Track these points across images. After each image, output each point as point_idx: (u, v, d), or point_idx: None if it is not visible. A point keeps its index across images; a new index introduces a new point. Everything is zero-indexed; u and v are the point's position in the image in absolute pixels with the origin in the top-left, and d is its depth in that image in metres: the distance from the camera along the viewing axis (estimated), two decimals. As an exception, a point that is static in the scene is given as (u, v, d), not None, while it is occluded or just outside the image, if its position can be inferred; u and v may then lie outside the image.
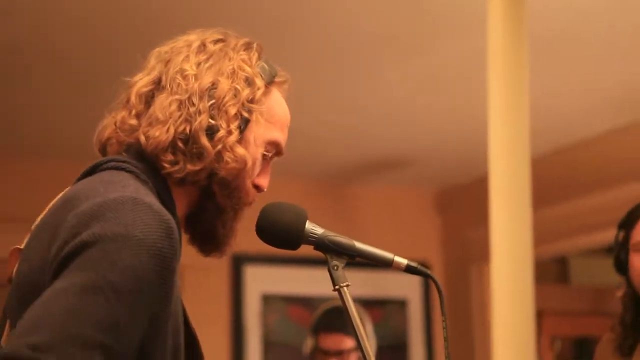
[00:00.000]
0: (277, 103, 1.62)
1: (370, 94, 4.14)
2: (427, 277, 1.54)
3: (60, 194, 1.51)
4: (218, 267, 5.01)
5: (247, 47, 1.60)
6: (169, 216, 1.39)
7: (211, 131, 1.49)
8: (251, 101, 1.54)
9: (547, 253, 5.23)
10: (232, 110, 1.51)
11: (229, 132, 1.50)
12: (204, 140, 1.48)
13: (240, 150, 1.51)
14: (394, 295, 5.26)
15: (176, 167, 1.49)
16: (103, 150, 1.58)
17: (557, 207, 4.76)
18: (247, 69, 1.56)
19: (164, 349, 1.41)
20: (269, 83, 1.60)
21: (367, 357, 1.48)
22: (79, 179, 1.51)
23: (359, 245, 1.54)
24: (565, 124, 4.51)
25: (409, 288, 5.28)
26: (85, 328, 1.27)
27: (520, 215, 2.71)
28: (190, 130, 1.48)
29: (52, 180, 2.22)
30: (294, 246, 1.55)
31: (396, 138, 4.72)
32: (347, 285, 1.52)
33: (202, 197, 1.55)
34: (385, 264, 1.55)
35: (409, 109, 4.32)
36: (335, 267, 1.52)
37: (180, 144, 1.48)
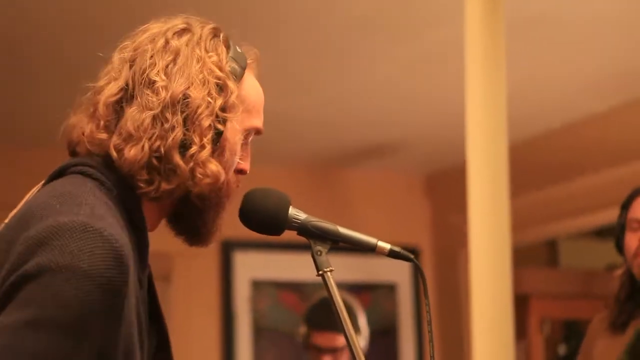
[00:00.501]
0: (251, 89, 1.57)
1: (358, 79, 4.14)
2: (409, 262, 1.55)
3: (26, 198, 1.47)
4: (208, 253, 5.01)
5: (214, 37, 1.52)
6: (120, 242, 1.33)
7: (184, 147, 1.44)
8: (224, 109, 1.49)
9: (537, 236, 5.25)
10: (206, 123, 1.46)
11: (202, 147, 1.45)
12: (177, 158, 1.44)
13: (212, 166, 1.47)
14: (383, 279, 5.27)
15: (152, 187, 1.45)
16: (73, 152, 1.52)
17: (546, 190, 4.77)
18: (218, 72, 1.49)
19: None
20: (241, 72, 1.54)
21: (353, 346, 1.48)
22: (47, 182, 1.47)
23: (343, 230, 1.54)
24: (553, 108, 4.52)
25: (398, 272, 5.29)
26: None
27: (498, 201, 2.71)
28: (164, 148, 1.43)
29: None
30: (277, 232, 1.54)
31: (385, 123, 4.72)
32: (331, 271, 1.51)
33: (180, 205, 1.52)
34: (368, 249, 1.55)
35: (396, 94, 4.32)
36: (319, 253, 1.52)
37: (155, 162, 1.44)
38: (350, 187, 5.42)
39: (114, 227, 1.36)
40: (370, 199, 5.43)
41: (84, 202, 1.38)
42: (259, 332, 5.05)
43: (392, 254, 1.55)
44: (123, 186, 1.46)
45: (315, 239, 1.53)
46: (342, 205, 5.34)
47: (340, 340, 3.49)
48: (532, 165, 4.93)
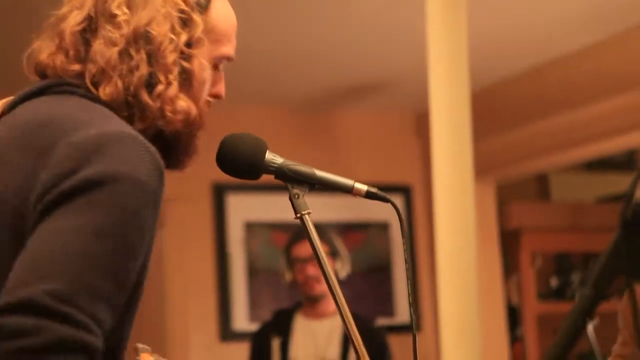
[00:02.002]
0: (220, 17, 1.54)
1: (346, 16, 4.11)
2: (386, 202, 1.56)
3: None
4: (200, 197, 5.03)
5: None
6: (159, 156, 1.36)
7: (150, 86, 1.43)
8: (190, 45, 1.47)
9: (528, 170, 5.27)
10: (170, 59, 1.44)
11: (169, 84, 1.44)
12: (145, 96, 1.43)
13: (181, 102, 1.46)
14: (376, 218, 5.30)
15: (132, 124, 1.43)
16: (42, 75, 1.49)
17: (536, 124, 4.78)
18: (182, 5, 1.47)
19: (138, 299, 1.42)
20: (207, 2, 1.51)
21: (330, 282, 1.51)
22: (28, 97, 1.45)
23: (319, 173, 1.56)
24: (542, 42, 4.50)
25: (391, 211, 5.28)
26: (97, 278, 1.26)
27: (460, 144, 2.71)
28: (133, 86, 1.42)
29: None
30: (255, 176, 1.56)
31: (374, 61, 4.70)
32: (309, 213, 1.54)
33: (155, 138, 1.50)
34: (345, 191, 1.57)
35: (383, 30, 4.29)
36: (297, 196, 1.54)
37: (130, 100, 1.43)
38: (341, 127, 5.42)
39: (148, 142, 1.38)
40: (360, 139, 5.43)
41: (112, 116, 1.39)
42: (254, 272, 5.09)
43: (369, 195, 1.56)
44: None
45: (293, 182, 1.55)
46: (332, 146, 5.34)
47: (322, 247, 3.54)
48: (522, 100, 4.93)
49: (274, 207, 5.05)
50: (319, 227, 3.77)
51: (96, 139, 1.31)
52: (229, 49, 1.55)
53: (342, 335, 3.56)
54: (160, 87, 1.44)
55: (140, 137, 1.35)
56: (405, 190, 5.43)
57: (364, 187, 1.56)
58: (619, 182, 5.71)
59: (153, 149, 1.35)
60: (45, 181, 1.30)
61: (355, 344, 1.48)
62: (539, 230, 5.50)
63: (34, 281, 1.22)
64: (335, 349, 3.60)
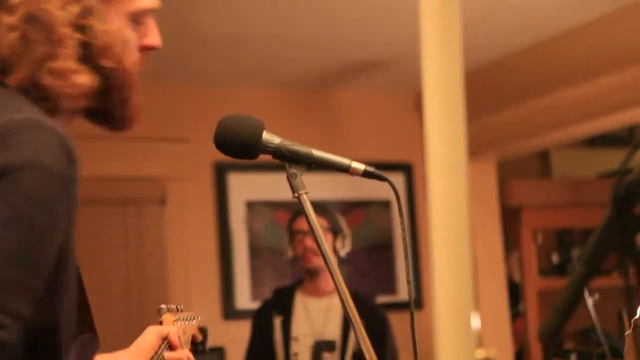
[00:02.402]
0: None
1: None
2: (384, 181, 1.57)
3: None
4: (201, 176, 5.04)
5: None
6: (69, 139, 1.33)
7: (52, 65, 1.41)
8: (86, 14, 1.44)
9: (529, 147, 5.27)
10: (63, 33, 1.42)
11: (65, 60, 1.41)
12: (47, 77, 1.41)
13: (80, 77, 1.44)
14: (377, 196, 5.31)
15: (46, 104, 1.41)
16: None
17: (536, 101, 4.78)
18: None
19: (67, 281, 1.38)
20: None
21: (326, 260, 1.52)
22: None
23: (316, 152, 1.57)
24: (541, 18, 4.49)
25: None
26: (6, 269, 1.24)
27: (454, 122, 2.71)
28: (37, 70, 1.40)
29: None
30: (252, 156, 1.57)
31: (374, 39, 4.69)
32: (306, 193, 1.55)
33: (89, 108, 1.49)
34: (343, 170, 1.58)
35: (385, 8, 4.28)
36: (294, 176, 1.56)
37: (36, 82, 1.41)
38: (341, 106, 5.42)
39: (56, 124, 1.36)
40: (361, 117, 5.43)
41: (20, 103, 1.37)
42: (256, 251, 5.11)
43: (366, 174, 1.58)
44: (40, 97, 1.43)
45: (290, 162, 1.56)
46: (333, 125, 5.34)
47: (323, 223, 3.56)
48: (522, 77, 4.93)
49: (276, 186, 5.06)
50: (321, 204, 3.78)
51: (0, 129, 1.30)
52: (144, 2, 1.52)
53: (343, 312, 3.58)
54: (56, 64, 1.41)
55: (47, 123, 1.33)
56: (406, 168, 5.43)
57: (361, 167, 1.57)
58: (621, 158, 5.70)
59: (61, 132, 1.33)
60: None
61: (350, 316, 1.49)
62: (540, 206, 5.52)
63: None
64: (336, 326, 3.62)
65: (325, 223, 3.60)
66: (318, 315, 3.65)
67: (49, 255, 1.30)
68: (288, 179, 1.55)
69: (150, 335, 1.76)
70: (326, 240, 1.57)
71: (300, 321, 3.65)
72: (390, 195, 5.31)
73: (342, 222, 3.70)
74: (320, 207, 3.56)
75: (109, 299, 4.79)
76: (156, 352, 1.74)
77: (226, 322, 4.99)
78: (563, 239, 5.70)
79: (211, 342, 5.38)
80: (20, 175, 1.27)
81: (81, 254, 1.48)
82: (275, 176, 5.04)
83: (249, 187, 5.12)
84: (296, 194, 1.55)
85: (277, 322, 3.65)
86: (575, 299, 0.95)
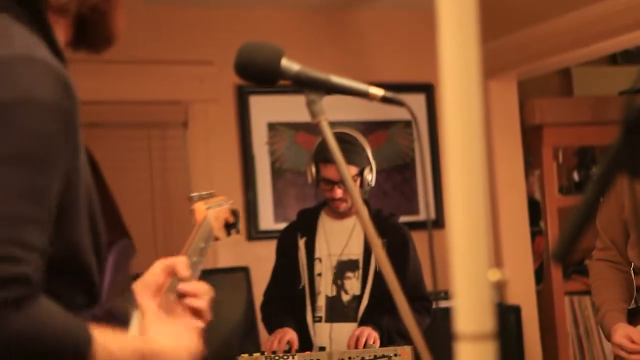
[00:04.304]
0: None
1: None
2: (402, 106, 1.60)
3: None
4: (223, 98, 5.07)
5: None
6: (62, 69, 1.34)
7: None
8: None
9: (550, 65, 5.25)
10: None
11: None
12: None
13: None
14: (399, 116, 5.33)
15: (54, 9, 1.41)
16: None
17: (558, 18, 4.74)
18: None
19: (78, 203, 1.39)
20: None
21: (348, 187, 1.56)
22: None
23: (335, 79, 1.59)
24: None
25: (414, 108, 5.32)
26: (12, 203, 1.25)
27: (467, 38, 2.67)
28: None
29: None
30: (271, 82, 1.60)
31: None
32: (326, 119, 1.57)
33: (77, 24, 1.49)
34: (361, 95, 1.61)
35: None
36: (313, 102, 1.58)
37: None
38: (362, 27, 5.40)
39: (49, 55, 1.35)
40: (382, 38, 5.42)
41: (12, 33, 1.36)
42: (278, 173, 5.17)
43: (385, 100, 1.60)
44: (28, 7, 1.42)
45: (309, 88, 1.58)
46: (352, 46, 5.34)
47: (350, 171, 3.56)
48: (544, -5, 4.88)
49: (297, 108, 5.08)
50: (350, 147, 3.74)
51: None
52: None
53: (364, 233, 3.63)
54: None
55: (39, 55, 1.32)
56: (427, 89, 5.44)
57: (379, 92, 1.60)
58: (643, 75, 5.66)
59: (54, 64, 1.33)
60: None
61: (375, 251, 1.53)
62: (562, 125, 5.51)
63: None
64: (358, 246, 3.67)
65: (354, 170, 3.59)
66: (341, 236, 3.70)
67: (52, 186, 1.31)
68: (307, 105, 1.58)
69: (155, 270, 1.71)
70: (355, 187, 1.60)
71: (323, 242, 3.70)
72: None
73: (368, 151, 3.66)
74: (350, 153, 3.54)
75: (134, 220, 4.87)
76: (167, 288, 1.69)
77: (250, 243, 5.07)
78: (584, 157, 5.71)
79: (236, 262, 5.49)
80: (15, 112, 1.27)
81: (106, 176, 1.53)
82: (296, 98, 5.04)
83: (271, 109, 5.15)
84: (316, 120, 1.57)
85: (302, 243, 3.70)
86: (586, 220, 0.99)
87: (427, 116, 5.39)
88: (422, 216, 5.34)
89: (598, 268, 3.42)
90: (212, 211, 1.92)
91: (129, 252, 1.57)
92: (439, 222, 5.34)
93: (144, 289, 1.63)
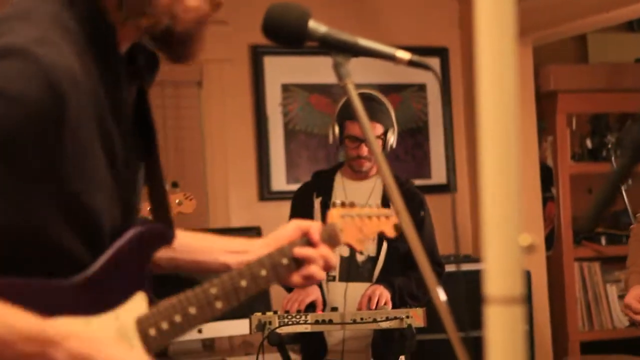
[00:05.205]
0: None
1: None
2: (428, 70, 1.60)
3: None
4: (238, 59, 5.06)
5: None
6: (58, 68, 1.30)
7: None
8: None
9: (566, 31, 5.22)
10: None
11: None
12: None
13: (192, 1, 1.48)
14: (413, 80, 5.32)
15: (121, 13, 1.41)
16: None
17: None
18: None
19: (85, 168, 1.38)
20: None
21: (371, 146, 1.57)
22: None
23: (362, 41, 1.59)
24: None
25: (427, 72, 5.30)
26: None
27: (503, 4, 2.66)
28: None
29: None
30: (299, 44, 1.60)
31: None
32: (352, 82, 1.56)
33: (162, 36, 1.51)
34: (388, 58, 1.61)
35: None
36: (340, 64, 1.57)
37: None
38: (378, -13, 5.38)
39: (58, 52, 1.33)
40: (397, 1, 5.39)
41: (36, 22, 1.35)
42: (291, 134, 5.17)
43: (411, 63, 1.60)
44: (93, 9, 1.42)
45: (336, 50, 1.58)
46: (368, 9, 5.31)
47: (377, 129, 3.58)
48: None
49: (311, 70, 5.08)
50: (375, 100, 3.72)
51: None
52: None
53: (382, 194, 3.64)
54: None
55: (32, 50, 1.30)
56: (441, 52, 5.42)
57: (406, 55, 1.60)
58: (659, 43, 5.64)
59: (48, 61, 1.30)
60: None
61: (396, 209, 1.54)
62: (576, 91, 5.49)
63: None
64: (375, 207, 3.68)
65: (380, 128, 3.60)
66: (361, 196, 3.70)
67: (17, 185, 1.29)
68: (334, 67, 1.58)
69: (289, 228, 1.76)
70: (378, 147, 1.60)
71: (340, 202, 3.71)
72: (425, 79, 5.32)
73: (392, 113, 3.68)
74: (376, 112, 3.56)
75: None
76: (283, 247, 1.72)
77: (262, 203, 5.09)
78: (598, 125, 5.69)
79: (248, 222, 5.49)
80: None
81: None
82: (310, 59, 5.05)
83: (285, 70, 5.14)
84: (343, 83, 1.57)
85: (317, 203, 3.71)
86: (617, 188, 1.00)
87: (441, 80, 5.36)
88: (433, 180, 5.34)
89: (638, 229, 3.51)
90: (348, 219, 1.88)
91: (155, 239, 1.55)
92: (449, 186, 5.35)
93: (274, 241, 1.72)
